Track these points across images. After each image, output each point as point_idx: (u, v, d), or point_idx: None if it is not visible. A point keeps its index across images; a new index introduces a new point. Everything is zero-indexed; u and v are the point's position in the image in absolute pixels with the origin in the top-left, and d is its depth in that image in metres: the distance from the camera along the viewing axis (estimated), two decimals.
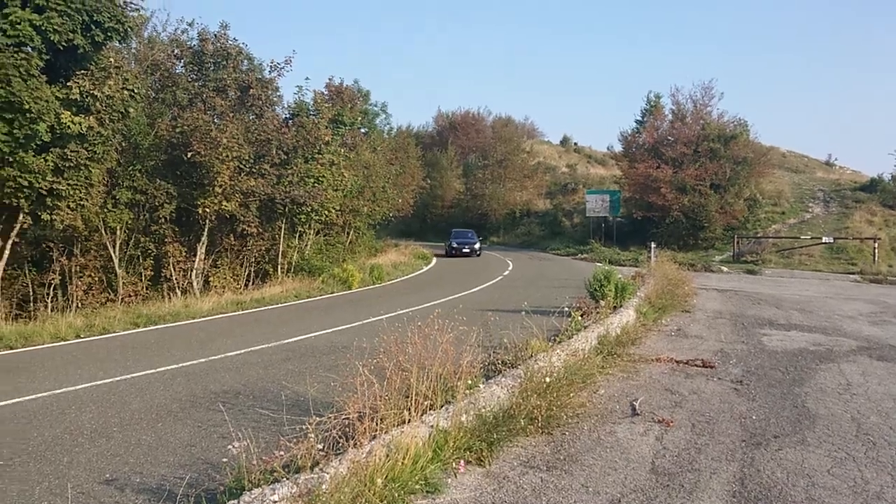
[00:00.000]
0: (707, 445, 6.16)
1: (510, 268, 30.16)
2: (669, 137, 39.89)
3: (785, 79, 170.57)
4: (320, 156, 25.51)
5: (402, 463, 4.82)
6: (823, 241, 32.05)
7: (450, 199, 59.61)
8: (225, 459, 4.86)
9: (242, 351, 10.98)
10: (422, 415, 5.57)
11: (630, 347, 10.50)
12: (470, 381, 6.20)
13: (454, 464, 5.34)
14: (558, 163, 67.00)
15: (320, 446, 4.69)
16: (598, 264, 16.97)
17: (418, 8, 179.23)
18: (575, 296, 13.44)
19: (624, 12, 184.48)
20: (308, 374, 8.43)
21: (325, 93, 32.58)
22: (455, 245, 38.88)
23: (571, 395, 7.06)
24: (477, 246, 39.00)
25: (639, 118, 47.97)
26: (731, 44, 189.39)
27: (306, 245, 27.47)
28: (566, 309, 10.95)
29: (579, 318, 10.44)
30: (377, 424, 5.11)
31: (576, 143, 75.15)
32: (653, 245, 26.04)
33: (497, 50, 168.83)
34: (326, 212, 25.76)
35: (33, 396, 8.25)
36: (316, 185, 24.66)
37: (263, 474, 4.49)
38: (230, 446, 4.64)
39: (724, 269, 29.24)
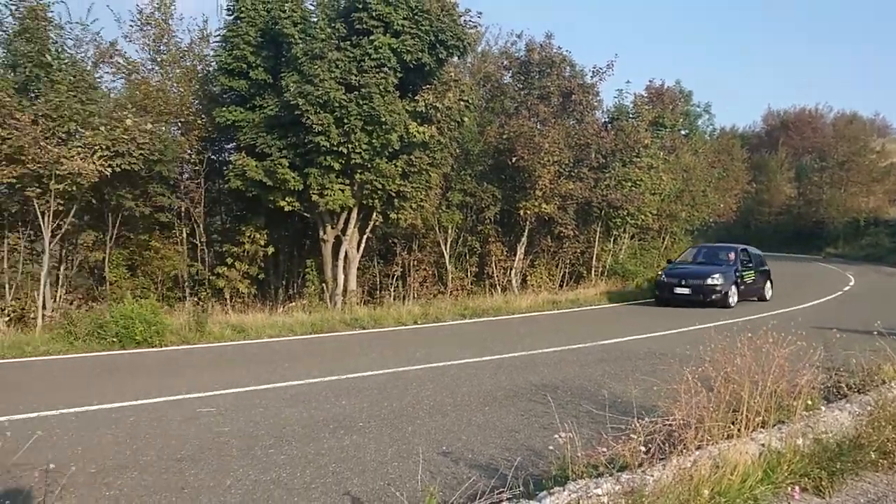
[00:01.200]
0: None
1: (851, 282, 26.73)
2: None
3: None
4: (639, 159, 25.16)
5: (730, 478, 4.59)
6: None
7: (778, 204, 54.75)
8: (551, 447, 5.09)
9: (559, 348, 11.36)
10: (751, 431, 5.24)
11: None
12: (809, 402, 5.67)
13: (787, 489, 4.92)
14: None
15: (643, 448, 4.68)
16: None
17: (743, 6, 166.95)
18: None
19: None
20: (626, 377, 8.43)
21: (645, 95, 31.97)
22: (665, 279, 19.22)
23: None
24: (719, 281, 18.22)
25: None
26: None
27: (620, 249, 27.35)
28: None
29: None
30: (703, 435, 4.93)
31: None
32: None
33: (841, 40, 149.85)
34: (643, 216, 25.34)
35: (382, 371, 9.50)
36: (633, 188, 24.39)
37: (587, 467, 4.62)
38: (556, 436, 4.83)
39: None
